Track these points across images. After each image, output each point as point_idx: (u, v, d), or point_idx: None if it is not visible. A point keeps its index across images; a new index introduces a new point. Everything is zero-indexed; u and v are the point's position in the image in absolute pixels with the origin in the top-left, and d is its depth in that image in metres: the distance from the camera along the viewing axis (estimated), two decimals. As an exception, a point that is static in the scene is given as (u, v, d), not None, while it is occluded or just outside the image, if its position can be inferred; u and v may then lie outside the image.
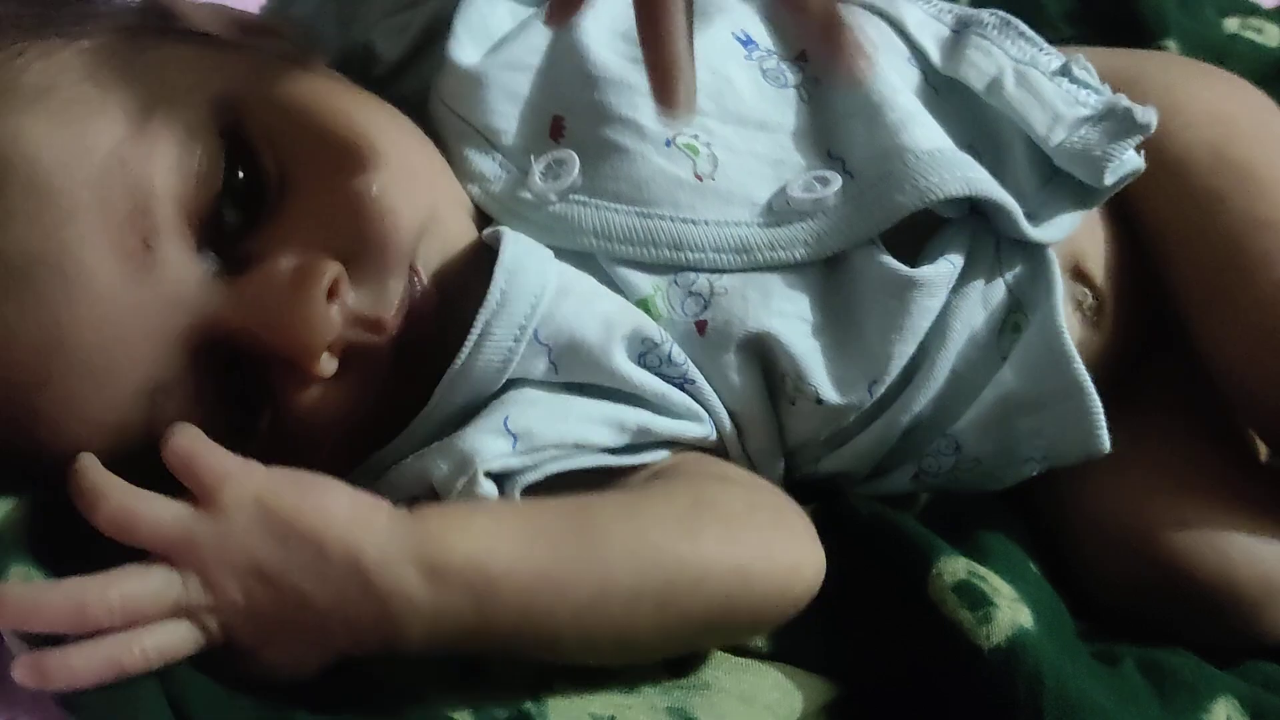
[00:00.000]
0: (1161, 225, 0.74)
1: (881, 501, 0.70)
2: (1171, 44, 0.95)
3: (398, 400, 0.63)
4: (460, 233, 0.66)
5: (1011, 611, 0.62)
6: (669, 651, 0.62)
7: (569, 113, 0.68)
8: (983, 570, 0.65)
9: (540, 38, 0.69)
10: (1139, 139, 0.69)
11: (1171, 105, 0.73)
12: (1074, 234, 0.71)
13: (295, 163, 0.61)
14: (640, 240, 0.66)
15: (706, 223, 0.66)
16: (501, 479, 0.62)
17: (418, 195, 0.64)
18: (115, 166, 0.58)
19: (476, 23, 0.70)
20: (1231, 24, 1.00)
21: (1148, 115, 0.69)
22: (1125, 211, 0.75)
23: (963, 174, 0.66)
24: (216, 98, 0.61)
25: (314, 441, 0.61)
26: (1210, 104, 0.76)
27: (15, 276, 0.56)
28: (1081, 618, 0.70)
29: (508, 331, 0.63)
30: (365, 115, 0.65)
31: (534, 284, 0.63)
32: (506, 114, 0.68)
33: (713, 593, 0.59)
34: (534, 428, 0.62)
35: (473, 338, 0.62)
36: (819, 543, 0.63)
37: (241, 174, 0.60)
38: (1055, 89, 0.71)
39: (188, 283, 0.59)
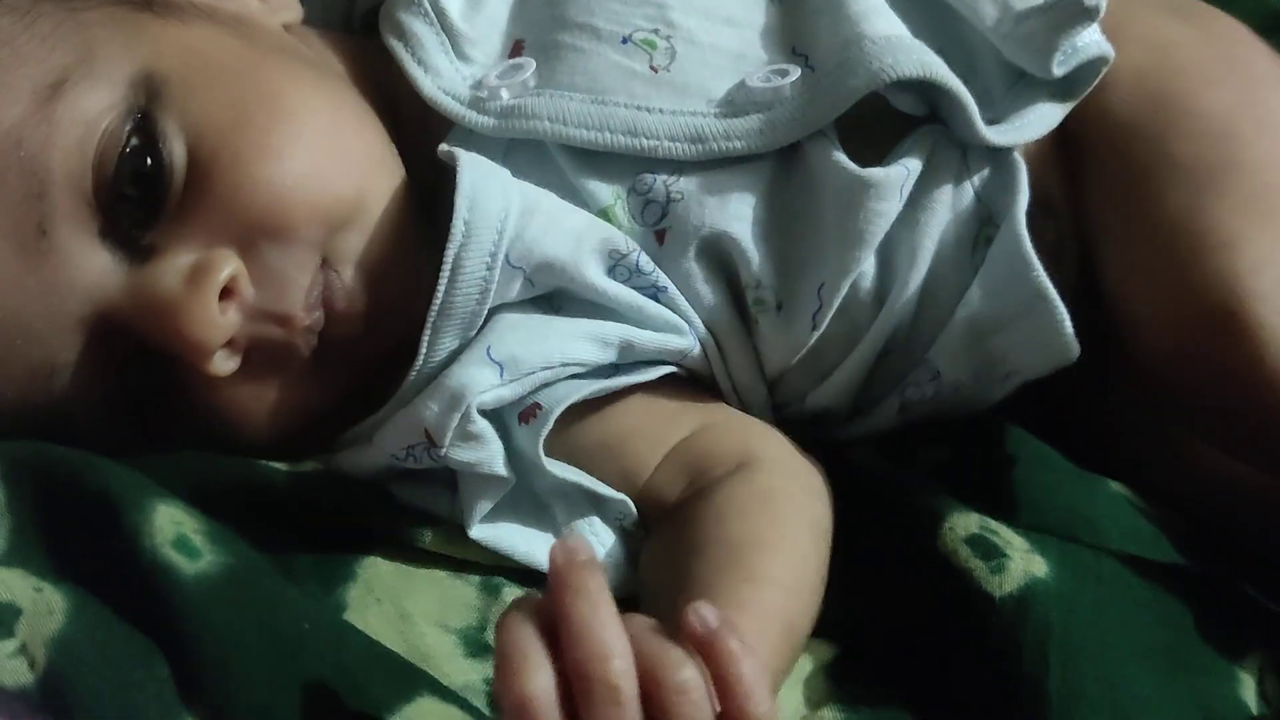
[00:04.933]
0: (1088, 155, 0.71)
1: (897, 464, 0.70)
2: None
3: (369, 381, 0.64)
4: (398, 211, 0.65)
5: (1024, 561, 0.63)
6: None
7: (529, 33, 0.70)
8: (994, 524, 0.65)
9: None
10: (1087, 25, 0.66)
11: (1114, 25, 0.69)
12: (1044, 168, 0.69)
13: (206, 151, 0.61)
14: (595, 124, 0.66)
15: (661, 111, 0.67)
16: (494, 415, 0.63)
17: (336, 184, 0.63)
18: (11, 148, 0.58)
19: None
20: (1246, -28, 0.99)
21: None
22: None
23: (918, 57, 0.65)
24: (138, 74, 0.61)
25: (246, 431, 0.63)
26: (1153, 28, 0.72)
27: None
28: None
29: (479, 261, 0.63)
30: (296, 97, 0.64)
31: (497, 208, 0.63)
32: (477, 24, 0.70)
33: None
34: (517, 353, 0.63)
35: (445, 274, 0.62)
36: None
37: (150, 160, 0.60)
38: None
39: (84, 270, 0.59)
